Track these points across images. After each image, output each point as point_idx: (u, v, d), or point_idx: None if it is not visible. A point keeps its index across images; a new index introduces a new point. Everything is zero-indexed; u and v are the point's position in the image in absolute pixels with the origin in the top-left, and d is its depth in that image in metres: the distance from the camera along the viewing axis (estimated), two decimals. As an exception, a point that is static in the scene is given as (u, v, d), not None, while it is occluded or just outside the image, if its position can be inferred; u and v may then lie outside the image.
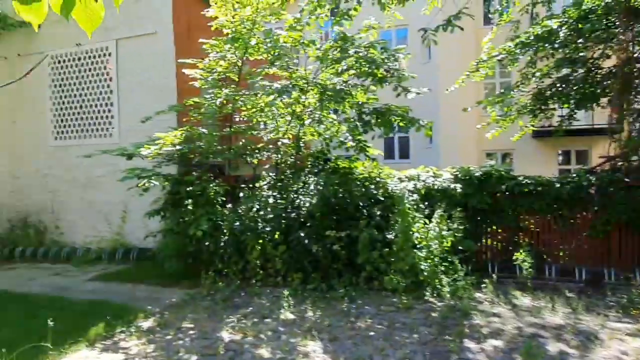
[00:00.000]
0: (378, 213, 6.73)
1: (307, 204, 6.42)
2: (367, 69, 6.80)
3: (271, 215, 6.45)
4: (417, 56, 18.49)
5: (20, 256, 9.63)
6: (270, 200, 6.81)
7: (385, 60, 7.21)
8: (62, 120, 10.37)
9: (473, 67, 9.22)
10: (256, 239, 6.50)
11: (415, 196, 6.95)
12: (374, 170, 7.74)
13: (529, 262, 6.06)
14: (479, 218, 7.01)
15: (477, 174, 6.95)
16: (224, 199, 7.49)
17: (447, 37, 7.51)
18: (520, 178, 6.91)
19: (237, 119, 8.54)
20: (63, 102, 10.34)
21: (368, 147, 7.53)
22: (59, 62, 10.33)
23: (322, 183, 6.51)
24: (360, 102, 7.00)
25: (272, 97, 6.26)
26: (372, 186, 7.16)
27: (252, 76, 7.62)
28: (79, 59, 10.11)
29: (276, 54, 6.81)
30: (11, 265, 9.13)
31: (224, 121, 8.15)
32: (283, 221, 6.43)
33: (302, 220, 6.43)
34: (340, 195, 6.45)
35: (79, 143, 10.14)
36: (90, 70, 10.02)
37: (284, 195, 6.77)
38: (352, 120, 7.12)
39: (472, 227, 6.85)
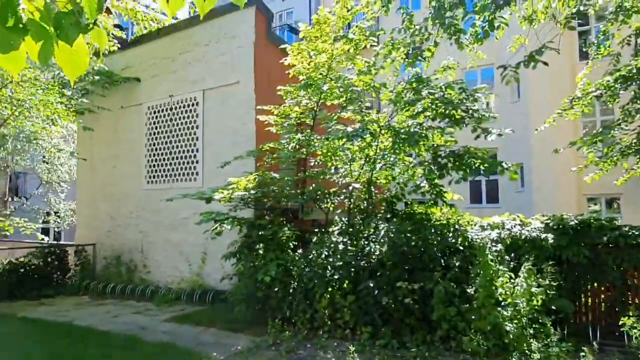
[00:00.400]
0: (456, 264, 6.18)
1: (377, 252, 6.07)
2: (443, 110, 6.47)
3: (340, 263, 6.19)
4: (505, 95, 17.65)
5: (112, 292, 10.25)
6: (340, 246, 6.57)
7: (464, 101, 6.85)
8: (154, 165, 11.17)
9: (566, 104, 8.46)
10: (325, 287, 6.26)
11: (499, 246, 6.30)
12: (453, 216, 7.23)
13: (639, 328, 5.13)
14: (576, 273, 6.15)
15: (572, 223, 6.16)
16: (295, 243, 7.41)
17: (539, 74, 7.01)
18: (626, 228, 5.99)
19: (312, 164, 8.56)
20: (156, 149, 11.16)
21: (445, 191, 7.07)
22: (154, 112, 11.25)
23: (393, 230, 6.15)
24: (435, 145, 6.64)
25: (343, 140, 6.16)
26: (450, 234, 6.64)
27: (326, 120, 7.63)
28: (171, 109, 10.94)
29: (348, 98, 6.75)
30: (103, 301, 9.73)
31: (299, 166, 8.19)
32: (352, 269, 6.13)
33: (372, 269, 6.08)
34: (414, 243, 6.03)
35: (167, 187, 10.79)
36: (180, 119, 10.76)
37: (354, 242, 6.51)
38: (427, 163, 6.75)
39: (567, 284, 6.01)
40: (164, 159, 11.00)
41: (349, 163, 7.32)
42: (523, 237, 6.36)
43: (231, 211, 7.63)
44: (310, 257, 6.52)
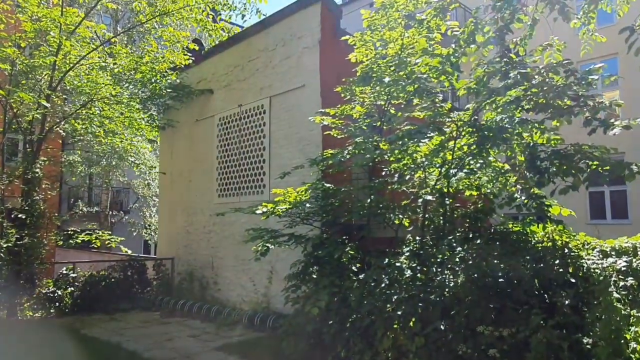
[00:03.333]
0: (566, 303, 4.56)
1: (452, 284, 4.67)
2: (543, 99, 4.92)
3: (405, 295, 4.90)
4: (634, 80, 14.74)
5: (181, 309, 9.91)
6: (408, 272, 5.26)
7: (572, 85, 5.22)
8: (224, 178, 10.76)
9: None
10: (384, 325, 5.01)
11: (631, 281, 4.54)
12: (561, 237, 5.55)
13: None
14: None
15: None
16: (359, 266, 6.25)
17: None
18: None
19: (384, 172, 7.35)
20: (226, 161, 10.75)
21: (549, 204, 5.42)
22: (225, 123, 10.88)
23: (473, 254, 4.72)
24: (533, 144, 5.07)
25: (403, 141, 4.92)
26: (557, 261, 5.01)
27: (395, 121, 6.42)
28: (240, 119, 10.46)
29: (415, 89, 5.49)
30: (170, 319, 9.40)
31: (370, 175, 7.04)
32: (420, 304, 4.80)
33: (445, 305, 4.69)
34: (502, 273, 4.53)
35: (236, 200, 10.27)
36: (248, 129, 10.22)
37: (424, 268, 5.16)
38: (521, 168, 5.21)
39: None
40: (233, 172, 10.53)
41: (417, 169, 5.99)
42: (667, 268, 4.53)
43: (287, 227, 6.73)
44: (366, 285, 5.31)
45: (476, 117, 5.32)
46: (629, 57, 15.49)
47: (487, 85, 5.05)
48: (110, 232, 12.94)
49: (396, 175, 6.14)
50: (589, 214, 16.03)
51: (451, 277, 4.73)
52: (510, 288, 4.51)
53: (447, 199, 5.79)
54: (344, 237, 6.75)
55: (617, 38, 16.12)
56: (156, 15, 10.19)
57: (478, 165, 5.64)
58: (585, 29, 8.17)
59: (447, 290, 4.69)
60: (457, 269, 4.74)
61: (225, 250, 10.55)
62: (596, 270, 4.74)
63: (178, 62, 11.24)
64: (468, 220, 6.05)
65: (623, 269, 4.70)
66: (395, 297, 4.87)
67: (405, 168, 5.94)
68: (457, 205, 6.30)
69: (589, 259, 4.93)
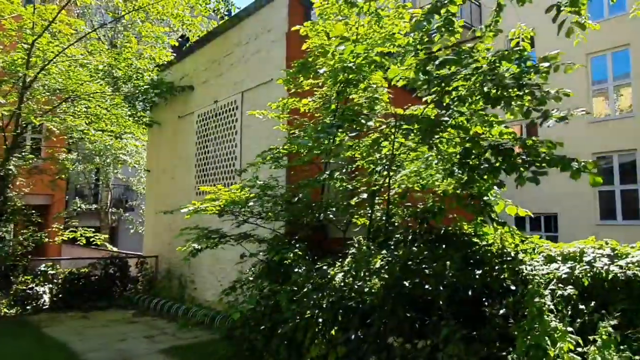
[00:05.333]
0: (499, 313, 4.12)
1: (368, 289, 4.29)
2: (478, 86, 4.47)
3: (326, 301, 4.54)
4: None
5: (154, 308, 9.79)
6: (339, 277, 4.90)
7: (524, 76, 4.75)
8: (202, 175, 10.58)
9: None
10: (305, 333, 4.67)
11: (569, 290, 4.06)
12: (514, 239, 5.10)
13: None
14: None
15: (698, 258, 3.67)
16: (305, 269, 5.90)
17: None
18: None
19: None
20: (204, 158, 10.57)
21: (489, 204, 4.96)
22: (203, 119, 10.70)
23: (390, 258, 4.32)
24: (468, 138, 4.60)
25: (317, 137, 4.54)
26: (497, 267, 4.56)
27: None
28: (216, 115, 10.25)
29: (346, 79, 5.09)
30: (140, 318, 9.29)
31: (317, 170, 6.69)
32: (340, 311, 4.44)
33: (364, 312, 4.32)
34: (420, 280, 4.12)
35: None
36: (223, 125, 10.00)
37: (354, 273, 4.79)
38: (447, 165, 4.76)
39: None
40: (210, 168, 10.33)
41: (353, 165, 5.58)
42: (610, 276, 4.02)
43: (234, 227, 6.46)
44: (292, 290, 4.97)
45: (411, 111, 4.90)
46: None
47: (422, 75, 4.61)
48: (94, 230, 12.94)
49: (327, 172, 5.77)
50: (599, 214, 15.15)
51: (368, 282, 4.35)
52: (432, 296, 4.10)
53: (384, 197, 5.38)
54: (295, 238, 6.43)
55: (629, 28, 15.27)
56: (131, 11, 10.09)
57: (419, 161, 5.21)
58: (577, 17, 7.62)
59: (366, 297, 4.31)
60: (374, 274, 4.35)
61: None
62: (535, 278, 4.28)
63: (158, 59, 11.14)
64: (419, 221, 5.62)
65: (564, 276, 4.22)
66: (312, 302, 4.52)
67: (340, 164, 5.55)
68: (409, 204, 5.88)
69: (533, 265, 4.47)
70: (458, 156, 4.49)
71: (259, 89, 9.02)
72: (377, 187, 5.60)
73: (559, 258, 4.51)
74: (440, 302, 4.04)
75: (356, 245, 5.52)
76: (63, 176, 13.06)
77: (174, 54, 11.59)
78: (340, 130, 4.77)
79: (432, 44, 5.06)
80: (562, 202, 15.30)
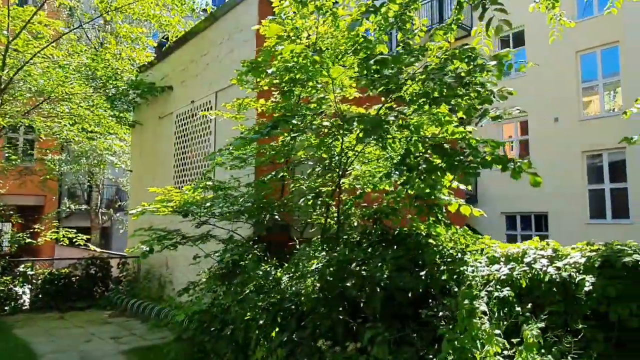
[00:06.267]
0: (431, 314, 4.06)
1: (303, 291, 4.24)
2: (419, 85, 4.40)
3: (266, 302, 4.50)
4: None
5: (131, 309, 9.80)
6: (285, 279, 4.85)
7: (472, 73, 4.67)
8: (180, 176, 10.58)
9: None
10: (255, 335, 4.63)
11: (506, 291, 3.98)
12: (466, 240, 5.03)
13: None
14: (637, 347, 3.53)
15: (628, 259, 3.56)
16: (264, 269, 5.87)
17: None
18: None
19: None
20: (181, 159, 10.57)
21: (439, 204, 4.88)
22: (181, 119, 10.69)
23: (326, 259, 4.26)
24: (410, 138, 4.53)
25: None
26: (442, 268, 4.50)
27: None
28: (193, 115, 10.24)
29: (292, 78, 5.04)
30: (115, 319, 9.29)
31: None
32: (280, 313, 4.39)
33: (301, 314, 4.27)
34: (354, 281, 4.06)
35: (189, 198, 10.05)
36: (199, 125, 9.99)
37: (297, 273, 4.74)
38: (390, 165, 4.70)
39: (618, 367, 3.47)
40: (187, 169, 10.33)
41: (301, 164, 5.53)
42: (547, 278, 3.94)
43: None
44: (235, 292, 4.93)
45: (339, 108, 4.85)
46: (631, 46, 14.29)
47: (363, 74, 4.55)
48: (76, 232, 12.96)
49: (273, 172, 5.71)
50: (589, 213, 14.97)
51: (301, 284, 4.30)
52: (365, 298, 4.04)
53: (338, 196, 5.32)
54: (257, 238, 6.40)
55: (618, 25, 15.00)
56: (107, 11, 10.09)
57: (372, 162, 5.15)
58: (552, 14, 7.52)
59: (302, 299, 4.26)
60: (304, 277, 4.30)
61: (181, 248, 10.33)
62: (475, 279, 4.21)
63: (138, 59, 11.14)
64: (373, 222, 5.56)
65: (503, 277, 4.15)
66: (251, 305, 4.48)
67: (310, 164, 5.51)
68: (364, 205, 5.81)
69: (472, 266, 4.39)
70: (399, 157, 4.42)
71: (232, 89, 8.96)
72: (332, 187, 5.54)
73: (503, 259, 4.43)
74: (375, 305, 3.98)
75: (300, 247, 5.49)
76: (52, 177, 13.09)
77: (155, 55, 11.61)
78: (277, 130, 4.71)
79: (380, 43, 5.02)
80: (552, 201, 15.14)
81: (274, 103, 5.81)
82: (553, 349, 3.45)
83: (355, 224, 5.99)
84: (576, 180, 15.01)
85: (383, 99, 5.06)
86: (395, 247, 5.04)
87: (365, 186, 5.49)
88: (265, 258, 5.93)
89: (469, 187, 4.90)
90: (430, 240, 5.21)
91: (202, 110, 9.89)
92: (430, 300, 4.33)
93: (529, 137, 16.51)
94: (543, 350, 3.30)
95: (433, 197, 4.82)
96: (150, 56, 11.20)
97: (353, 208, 5.87)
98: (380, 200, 5.67)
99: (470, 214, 5.23)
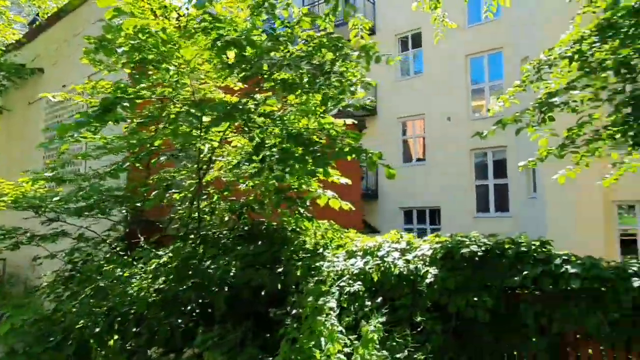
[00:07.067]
0: (294, 312, 3.86)
1: (135, 294, 3.85)
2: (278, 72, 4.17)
3: (103, 306, 4.03)
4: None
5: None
6: (135, 280, 4.38)
7: (336, 62, 4.52)
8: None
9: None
10: (99, 343, 4.13)
11: (357, 286, 3.89)
12: (330, 235, 4.91)
13: None
14: (473, 340, 3.59)
15: (466, 250, 3.62)
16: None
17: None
18: (558, 261, 3.38)
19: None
20: (53, 149, 9.51)
21: (302, 197, 4.72)
22: (51, 107, 9.65)
23: (162, 259, 3.92)
24: (265, 128, 4.30)
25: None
26: (299, 263, 4.32)
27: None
28: (64, 101, 9.23)
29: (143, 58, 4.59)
30: None
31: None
32: (118, 318, 3.94)
33: (139, 319, 3.87)
34: (197, 281, 3.74)
35: (59, 193, 9.07)
36: (71, 112, 9.06)
37: (144, 275, 4.30)
38: (241, 155, 4.46)
39: (452, 356, 3.49)
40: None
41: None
42: (397, 271, 3.90)
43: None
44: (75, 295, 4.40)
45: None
46: (511, 52, 15.33)
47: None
48: None
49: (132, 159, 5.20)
50: (476, 207, 15.96)
51: (134, 287, 3.91)
52: (201, 299, 3.74)
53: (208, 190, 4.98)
54: (120, 236, 5.82)
55: (502, 32, 15.76)
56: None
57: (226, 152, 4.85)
58: (435, 15, 7.66)
59: (138, 302, 3.85)
60: (145, 276, 3.92)
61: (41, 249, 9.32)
62: (330, 274, 4.08)
63: (1, 36, 9.84)
64: (237, 216, 5.27)
65: (356, 271, 4.06)
66: (87, 310, 3.99)
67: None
68: (233, 198, 5.50)
69: (330, 261, 4.27)
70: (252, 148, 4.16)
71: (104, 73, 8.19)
72: (195, 180, 5.15)
73: (360, 253, 4.36)
74: (220, 305, 3.69)
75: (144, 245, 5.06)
76: None
77: (25, 33, 10.36)
78: (110, 114, 4.25)
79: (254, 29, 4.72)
80: (444, 195, 15.92)
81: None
82: (394, 343, 3.40)
83: (227, 218, 5.66)
84: (465, 177, 15.92)
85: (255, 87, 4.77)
86: (259, 242, 4.80)
87: (226, 178, 5.16)
88: (126, 257, 5.40)
89: (349, 182, 4.77)
90: (294, 235, 5.05)
91: (75, 95, 8.95)
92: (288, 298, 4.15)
93: (425, 135, 17.22)
94: (379, 346, 3.22)
95: (296, 190, 4.63)
96: (17, 33, 9.93)
97: (222, 202, 5.53)
98: (249, 193, 5.39)
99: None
